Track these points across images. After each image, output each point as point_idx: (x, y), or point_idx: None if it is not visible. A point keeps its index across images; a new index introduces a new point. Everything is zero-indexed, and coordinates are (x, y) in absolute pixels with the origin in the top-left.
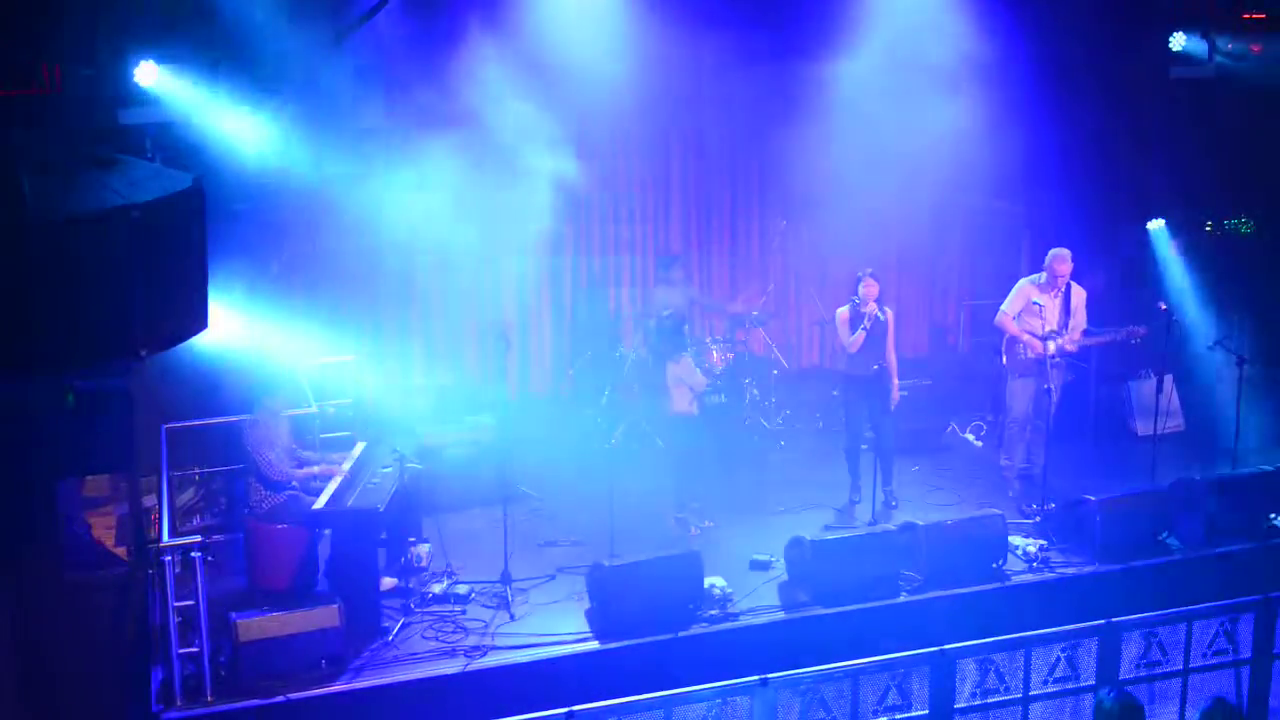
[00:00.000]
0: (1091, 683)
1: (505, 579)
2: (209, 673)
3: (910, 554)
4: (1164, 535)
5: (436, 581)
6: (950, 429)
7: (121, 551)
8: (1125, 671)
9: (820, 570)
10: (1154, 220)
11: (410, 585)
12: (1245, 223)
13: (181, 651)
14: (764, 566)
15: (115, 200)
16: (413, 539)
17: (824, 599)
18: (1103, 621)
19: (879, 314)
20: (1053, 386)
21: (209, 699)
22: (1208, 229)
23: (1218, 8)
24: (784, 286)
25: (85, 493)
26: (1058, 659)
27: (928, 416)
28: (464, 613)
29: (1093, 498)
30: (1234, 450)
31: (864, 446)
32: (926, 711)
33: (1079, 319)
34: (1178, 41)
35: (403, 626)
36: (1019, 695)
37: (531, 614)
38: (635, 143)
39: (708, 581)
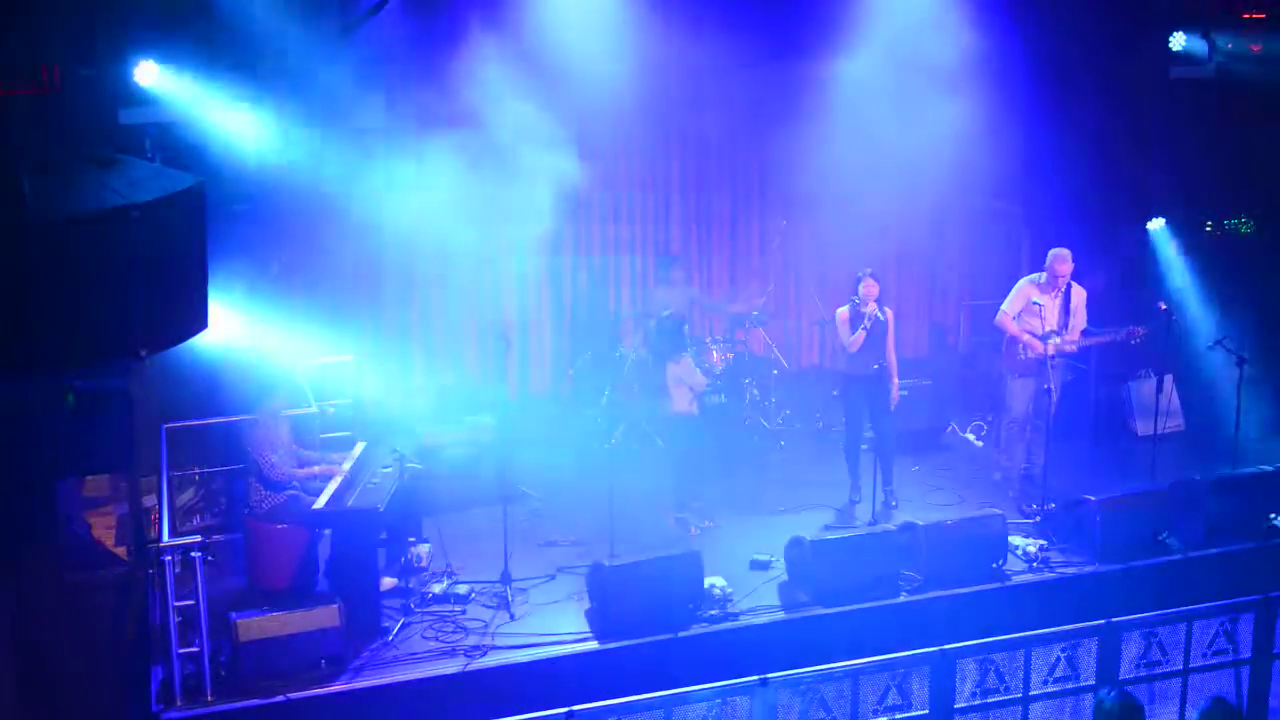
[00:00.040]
0: (1091, 683)
1: (505, 579)
2: (209, 673)
3: (910, 554)
4: (1164, 535)
5: (436, 581)
6: (950, 429)
7: (121, 551)
8: (1125, 671)
9: (820, 570)
10: (1154, 220)
11: (410, 585)
12: (1245, 223)
13: (181, 651)
14: (764, 566)
15: (115, 200)
16: (413, 539)
17: (824, 599)
18: (1103, 621)
19: (879, 314)
20: (1052, 386)
21: (209, 699)
22: (1208, 229)
23: (1218, 8)
24: (784, 286)
25: (85, 493)
26: (1058, 659)
27: (928, 416)
28: (464, 613)
29: (1093, 498)
30: (1234, 450)
31: (864, 446)
32: (926, 711)
33: (1079, 319)
34: (1178, 41)
35: (403, 626)
36: (1019, 695)
37: (531, 614)
38: (635, 143)
39: (708, 581)
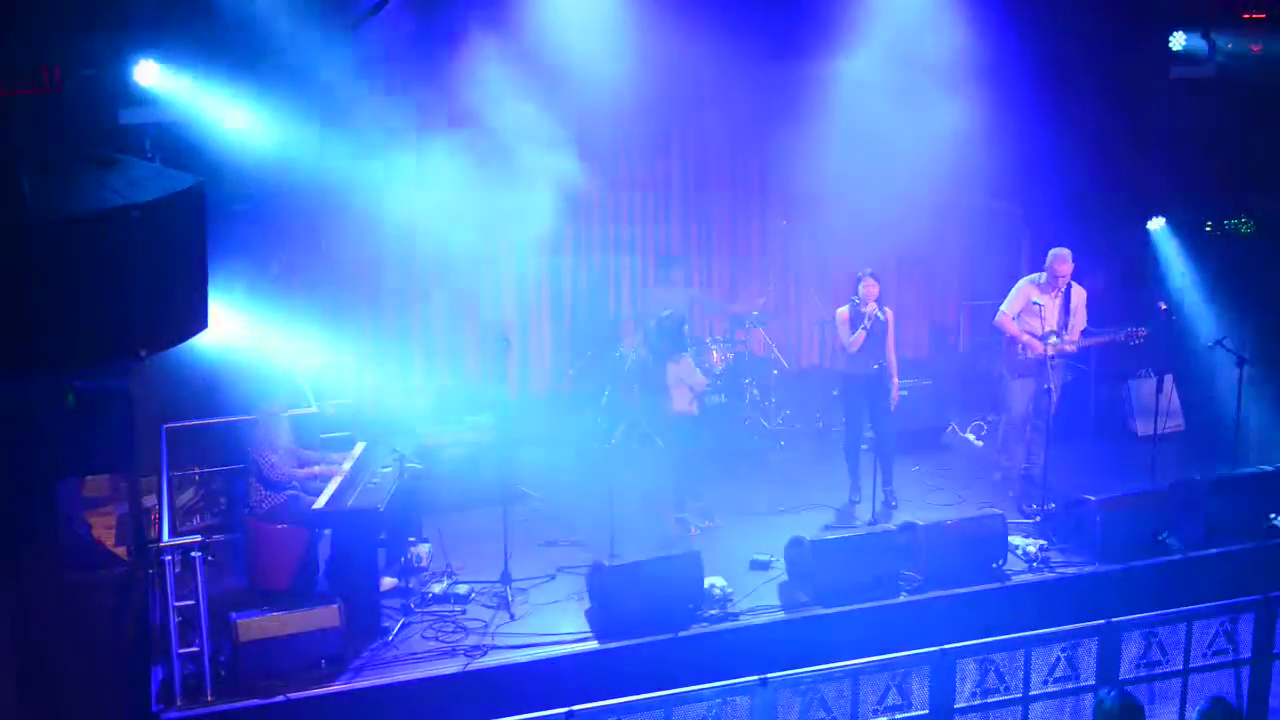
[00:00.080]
0: (1091, 683)
1: (505, 579)
2: (209, 673)
3: (910, 554)
4: (1164, 535)
5: (436, 581)
6: (950, 429)
7: (121, 551)
8: (1125, 671)
9: (820, 570)
10: (1154, 220)
11: (410, 585)
12: (1245, 223)
13: (181, 651)
14: (764, 566)
15: (115, 200)
16: (413, 539)
17: (824, 599)
18: (1103, 621)
19: (879, 314)
20: (1052, 386)
21: (209, 699)
22: (1208, 229)
23: (1218, 8)
24: (784, 286)
25: (85, 493)
26: (1058, 659)
27: (928, 416)
28: (464, 613)
29: (1093, 498)
30: (1234, 450)
31: (864, 446)
32: (926, 711)
33: (1079, 319)
34: (1178, 41)
35: (403, 626)
36: (1019, 695)
37: (531, 614)
38: (635, 143)
39: (708, 581)
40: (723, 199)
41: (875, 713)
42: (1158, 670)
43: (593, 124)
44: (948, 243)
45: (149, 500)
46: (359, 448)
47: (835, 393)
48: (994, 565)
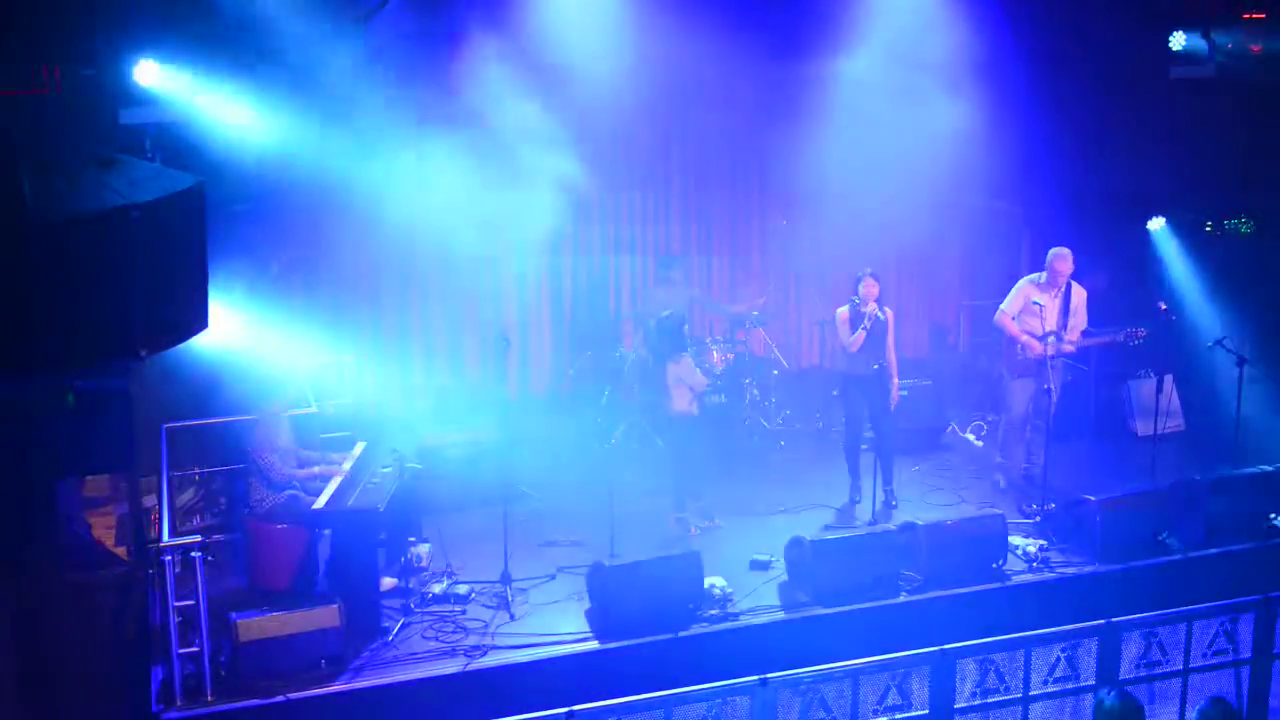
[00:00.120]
0: (1091, 683)
1: (505, 579)
2: (209, 673)
3: (910, 554)
4: (1164, 535)
5: (436, 581)
6: (950, 429)
7: (121, 551)
8: (1125, 671)
9: (820, 570)
10: (1154, 220)
11: (410, 585)
12: (1245, 223)
13: (181, 651)
14: (764, 566)
15: (115, 200)
16: (413, 539)
17: (824, 599)
18: (1103, 621)
19: (879, 314)
20: (1052, 386)
21: (209, 699)
22: (1208, 229)
23: (1218, 8)
24: (784, 286)
25: (85, 493)
26: (1058, 659)
27: (928, 416)
28: (464, 613)
29: (1093, 498)
30: (1234, 450)
31: (864, 446)
32: (926, 711)
33: (1079, 319)
34: (1178, 41)
35: (403, 626)
36: (1019, 695)
37: (531, 614)
38: (635, 143)
39: (708, 581)
40: (723, 199)
41: (875, 713)
42: (1158, 670)
43: (593, 124)
44: (948, 243)
45: (149, 500)
46: (359, 448)
47: (835, 393)
48: (994, 565)
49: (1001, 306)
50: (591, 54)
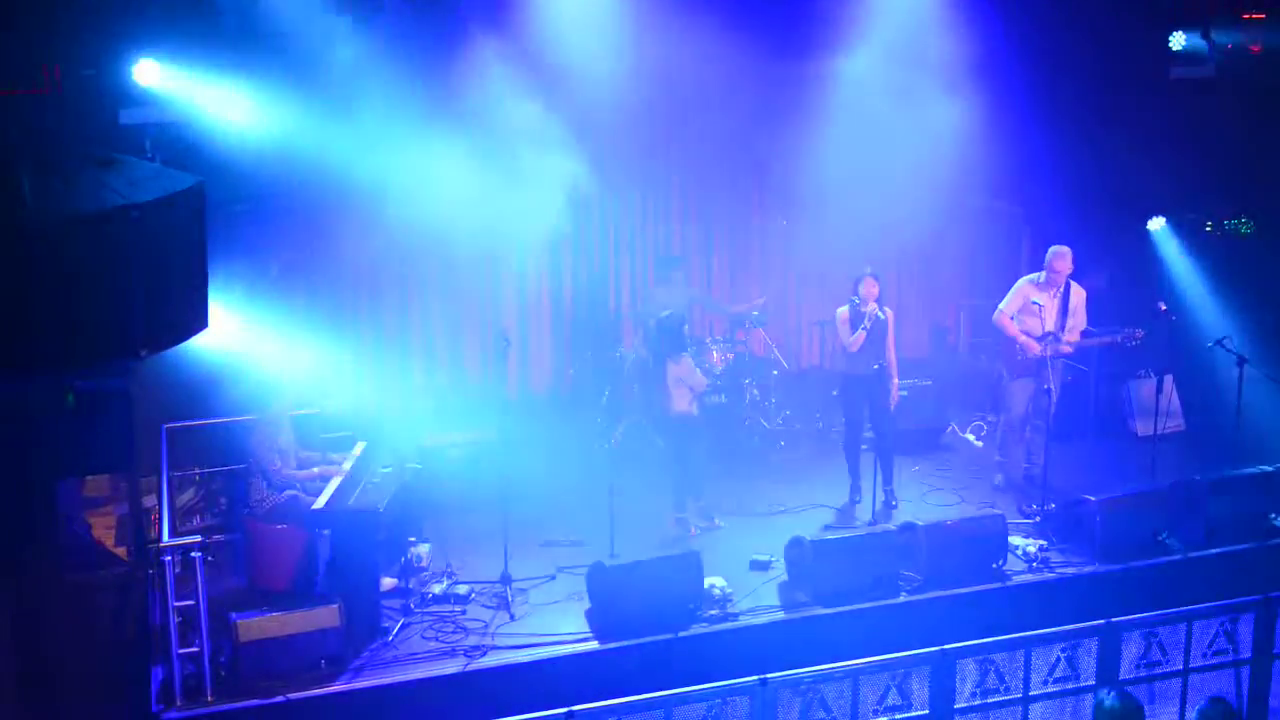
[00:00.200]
0: (1091, 683)
1: (505, 579)
2: (209, 673)
3: (910, 554)
4: (1164, 535)
5: (436, 581)
6: (950, 429)
7: (121, 551)
8: (1125, 671)
9: (820, 570)
10: (1154, 220)
11: (410, 585)
12: (1245, 223)
13: (181, 651)
14: (764, 566)
15: (115, 200)
16: (413, 539)
17: (824, 599)
18: (1103, 621)
19: (879, 313)
20: (1052, 386)
21: (209, 699)
22: (1208, 229)
23: (1218, 7)
24: (784, 286)
25: (85, 493)
26: (1058, 659)
27: (928, 416)
28: (464, 613)
29: (1093, 498)
30: (1234, 450)
31: (864, 446)
32: (926, 711)
33: (1078, 319)
34: (1178, 41)
35: (403, 626)
36: (1019, 695)
37: (531, 614)
38: (635, 143)
39: (708, 581)
40: (723, 199)
41: (875, 713)
42: (1158, 670)
43: (593, 123)
44: (948, 243)
45: (149, 500)
46: (359, 448)
47: (835, 393)
48: (994, 565)
49: (1000, 306)
50: (592, 54)
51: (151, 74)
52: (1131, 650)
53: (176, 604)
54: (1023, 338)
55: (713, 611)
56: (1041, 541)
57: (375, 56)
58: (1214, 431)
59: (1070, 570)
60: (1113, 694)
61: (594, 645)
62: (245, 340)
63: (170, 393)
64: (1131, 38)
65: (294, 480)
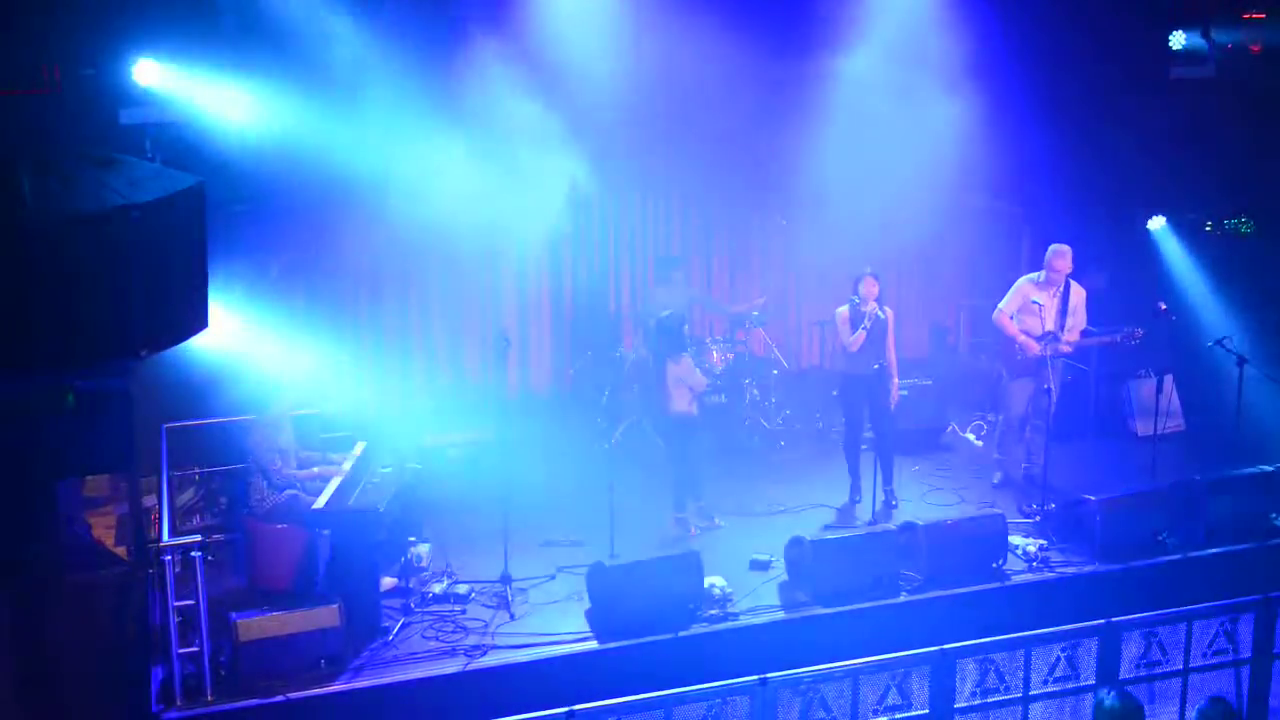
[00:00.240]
0: (1091, 683)
1: (505, 579)
2: (209, 672)
3: (910, 554)
4: (1164, 535)
5: (436, 581)
6: (950, 429)
7: (121, 551)
8: (1125, 671)
9: (820, 570)
10: (1154, 220)
11: (410, 585)
12: (1245, 223)
13: (181, 651)
14: (764, 566)
15: (115, 200)
16: (413, 539)
17: (824, 599)
18: (1103, 621)
19: (879, 313)
20: (1052, 386)
21: (209, 699)
22: (1208, 228)
23: (1218, 7)
24: (784, 286)
25: (85, 493)
26: (1058, 659)
27: (928, 416)
28: (464, 613)
29: (1093, 498)
30: (1234, 450)
31: (864, 446)
32: (926, 711)
33: (1078, 318)
34: (1178, 41)
35: (403, 626)
36: (1019, 695)
37: (531, 614)
38: (635, 143)
39: (708, 581)
40: (723, 199)
41: (875, 713)
42: (1158, 670)
43: (593, 123)
44: (948, 243)
45: (149, 500)
46: (359, 448)
47: (835, 393)
48: (994, 565)
49: (1000, 305)
50: (592, 53)
51: (151, 74)
52: (1131, 650)
53: (176, 604)
54: (1022, 337)
55: (713, 611)
56: (1041, 541)
57: (375, 56)
58: (1214, 431)
59: (1070, 570)
60: (1113, 693)
61: (594, 645)
62: (245, 340)
63: (170, 393)
64: (1131, 37)
65: (294, 480)
